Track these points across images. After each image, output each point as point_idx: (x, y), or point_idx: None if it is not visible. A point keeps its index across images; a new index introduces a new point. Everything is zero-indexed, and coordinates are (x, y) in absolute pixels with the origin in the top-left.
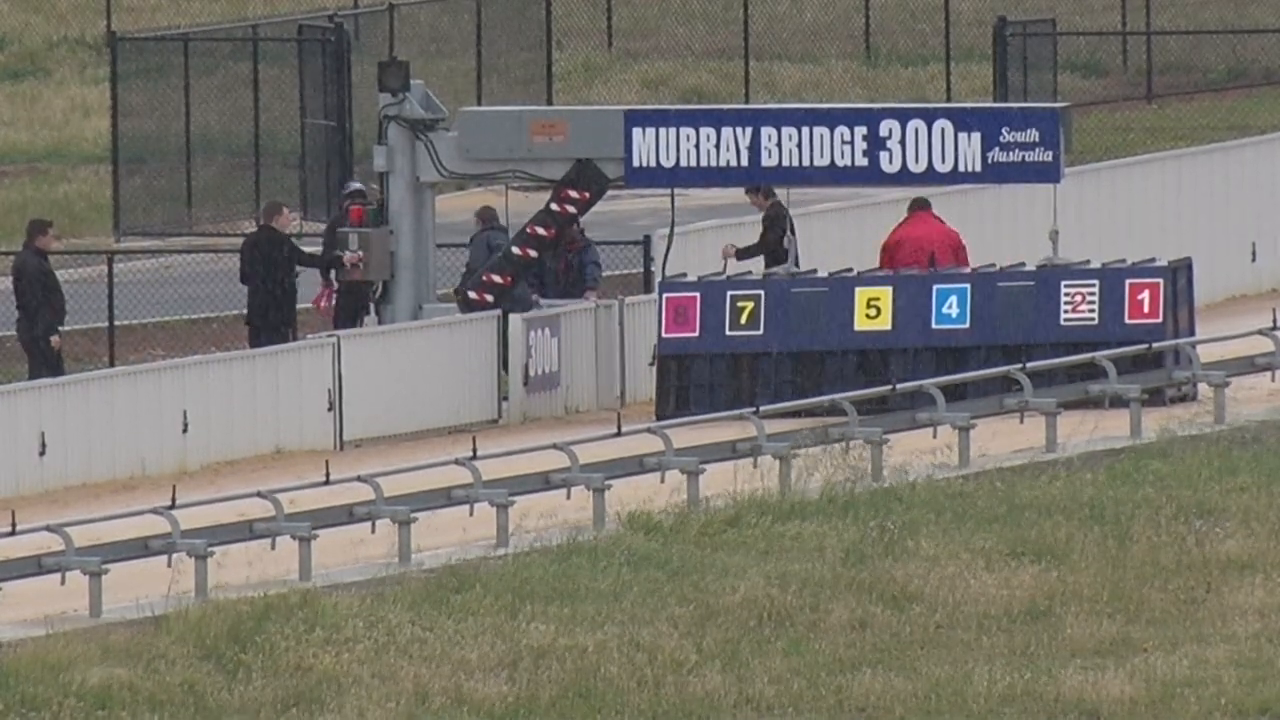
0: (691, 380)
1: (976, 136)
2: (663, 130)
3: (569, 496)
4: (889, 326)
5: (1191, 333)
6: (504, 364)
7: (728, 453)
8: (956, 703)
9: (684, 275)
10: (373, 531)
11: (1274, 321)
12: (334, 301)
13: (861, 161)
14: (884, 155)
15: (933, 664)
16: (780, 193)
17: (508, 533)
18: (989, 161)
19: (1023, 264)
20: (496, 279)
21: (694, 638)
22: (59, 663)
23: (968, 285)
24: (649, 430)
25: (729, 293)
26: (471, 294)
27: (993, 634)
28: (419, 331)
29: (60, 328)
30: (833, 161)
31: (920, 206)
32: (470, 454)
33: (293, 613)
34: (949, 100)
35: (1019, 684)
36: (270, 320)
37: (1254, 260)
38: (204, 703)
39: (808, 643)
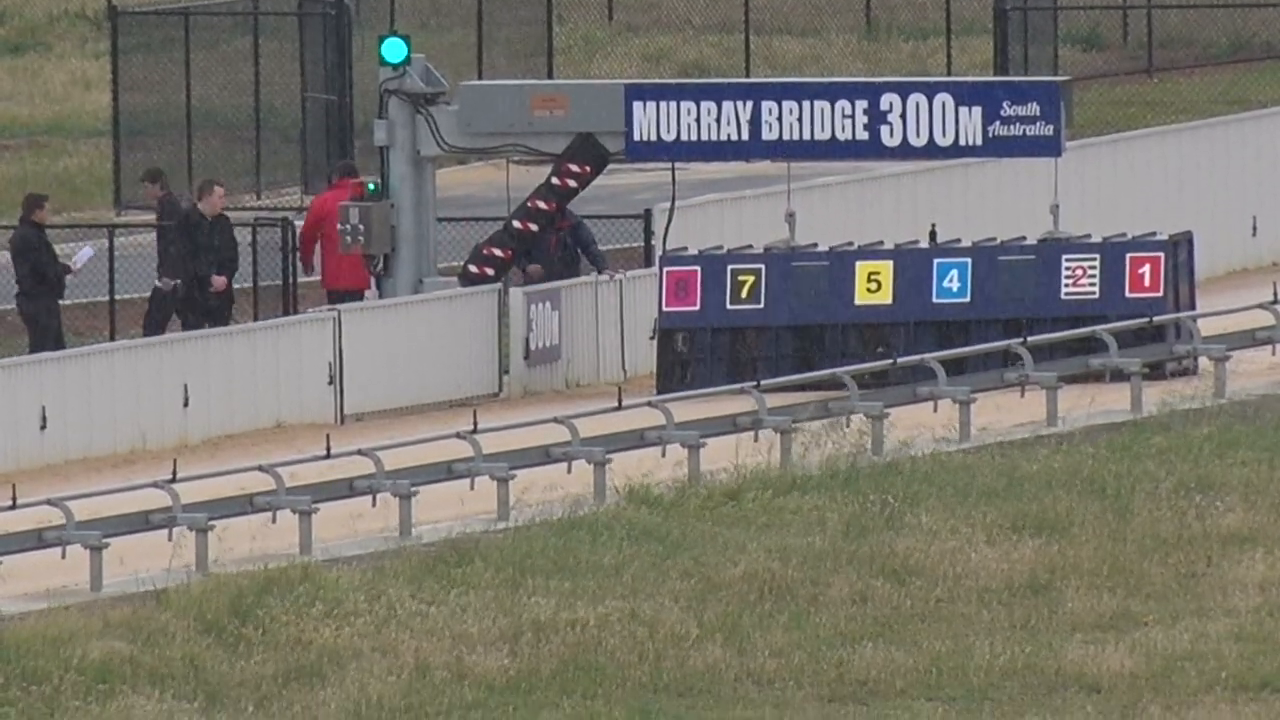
0: (692, 354)
1: (977, 110)
2: (663, 104)
3: (570, 470)
4: (890, 300)
5: (1192, 306)
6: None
7: (728, 427)
8: (957, 676)
9: (684, 249)
10: (373, 505)
11: (1274, 295)
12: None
13: (862, 135)
14: (885, 129)
15: (933, 638)
16: (780, 166)
17: (508, 506)
18: (990, 135)
19: (1023, 238)
20: (497, 253)
21: (695, 611)
22: (59, 637)
23: (968, 259)
24: (649, 404)
25: (729, 266)
26: (472, 268)
27: (993, 608)
28: (419, 305)
29: (60, 301)
30: (833, 135)
31: (349, 172)
32: (471, 428)
33: (293, 587)
34: (950, 74)
35: (1020, 657)
36: (189, 303)
37: (1254, 234)
38: (205, 677)
39: (808, 616)
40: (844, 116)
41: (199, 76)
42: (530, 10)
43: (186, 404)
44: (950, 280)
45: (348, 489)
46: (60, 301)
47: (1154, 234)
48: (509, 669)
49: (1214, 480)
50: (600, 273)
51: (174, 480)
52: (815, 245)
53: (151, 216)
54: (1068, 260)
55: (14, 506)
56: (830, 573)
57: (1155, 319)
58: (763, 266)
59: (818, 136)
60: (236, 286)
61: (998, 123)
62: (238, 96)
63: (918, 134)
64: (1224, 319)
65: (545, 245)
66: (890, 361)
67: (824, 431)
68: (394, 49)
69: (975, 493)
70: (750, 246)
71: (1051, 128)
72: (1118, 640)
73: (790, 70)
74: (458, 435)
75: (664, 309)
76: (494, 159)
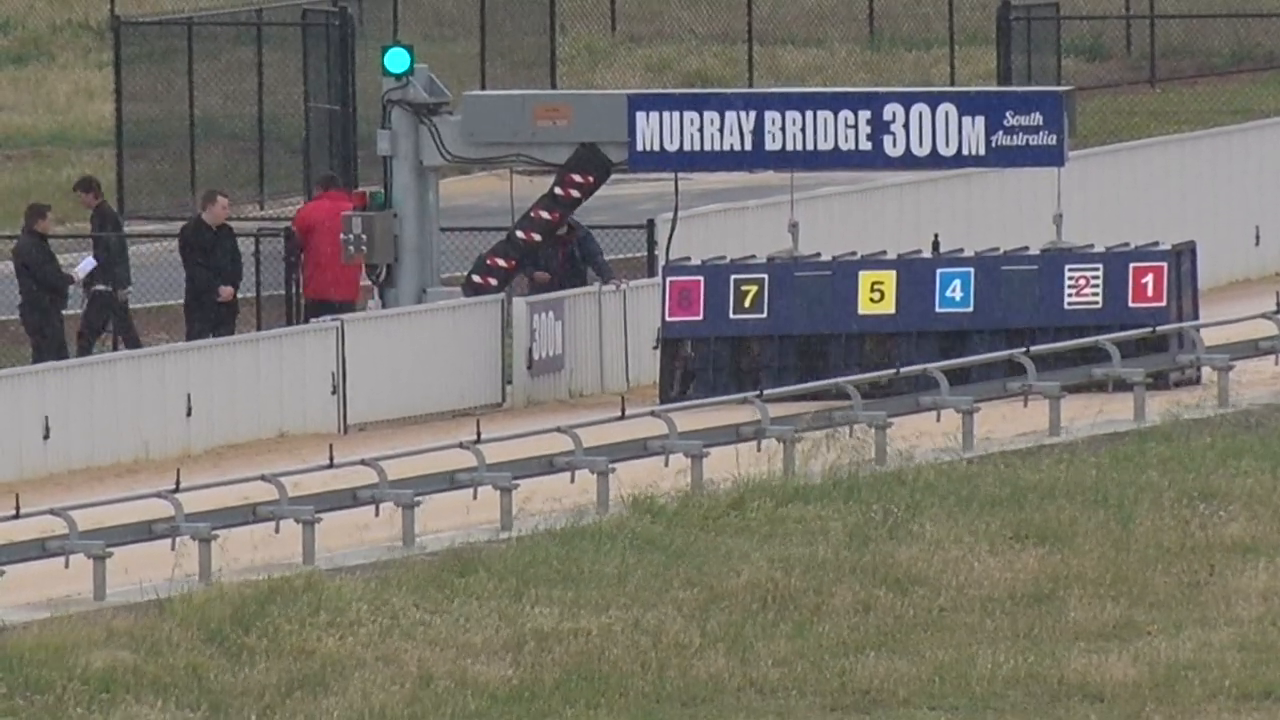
0: (695, 364)
1: (980, 120)
2: (666, 114)
3: (573, 480)
4: (893, 310)
5: (1195, 316)
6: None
7: (731, 436)
8: (960, 685)
9: (687, 259)
10: (376, 515)
11: (1277, 305)
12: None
13: (865, 145)
14: (888, 139)
15: (936, 647)
16: (783, 177)
17: (512, 516)
18: (993, 145)
19: (1026, 248)
20: (501, 263)
21: (698, 621)
22: (62, 646)
23: (971, 269)
24: (652, 414)
25: (732, 276)
26: (476, 278)
27: (996, 617)
28: (423, 315)
29: (63, 311)
30: (836, 145)
31: (331, 184)
32: (474, 437)
33: (297, 596)
34: (953, 84)
35: (1022, 667)
36: (194, 313)
37: (1257, 244)
38: (208, 686)
39: (811, 626)
40: (847, 126)
41: (202, 86)
42: (533, 20)
43: (190, 413)
44: (953, 290)
45: (351, 499)
46: (63, 311)
47: (1157, 244)
48: (512, 679)
49: (1217, 490)
50: (606, 283)
51: (177, 490)
52: (818, 255)
53: (156, 225)
54: (1071, 270)
55: (17, 516)
56: (833, 582)
57: (1158, 329)
58: (766, 276)
59: (821, 146)
60: (240, 296)
61: (1001, 133)
62: (241, 106)
63: (921, 144)
64: (1227, 329)
65: (552, 256)
66: (893, 371)
67: (827, 441)
68: (397, 59)
69: (978, 502)
70: (753, 256)
71: (1054, 137)
72: (1121, 649)
73: (793, 80)
74: (461, 445)
75: (667, 319)
76: (497, 169)
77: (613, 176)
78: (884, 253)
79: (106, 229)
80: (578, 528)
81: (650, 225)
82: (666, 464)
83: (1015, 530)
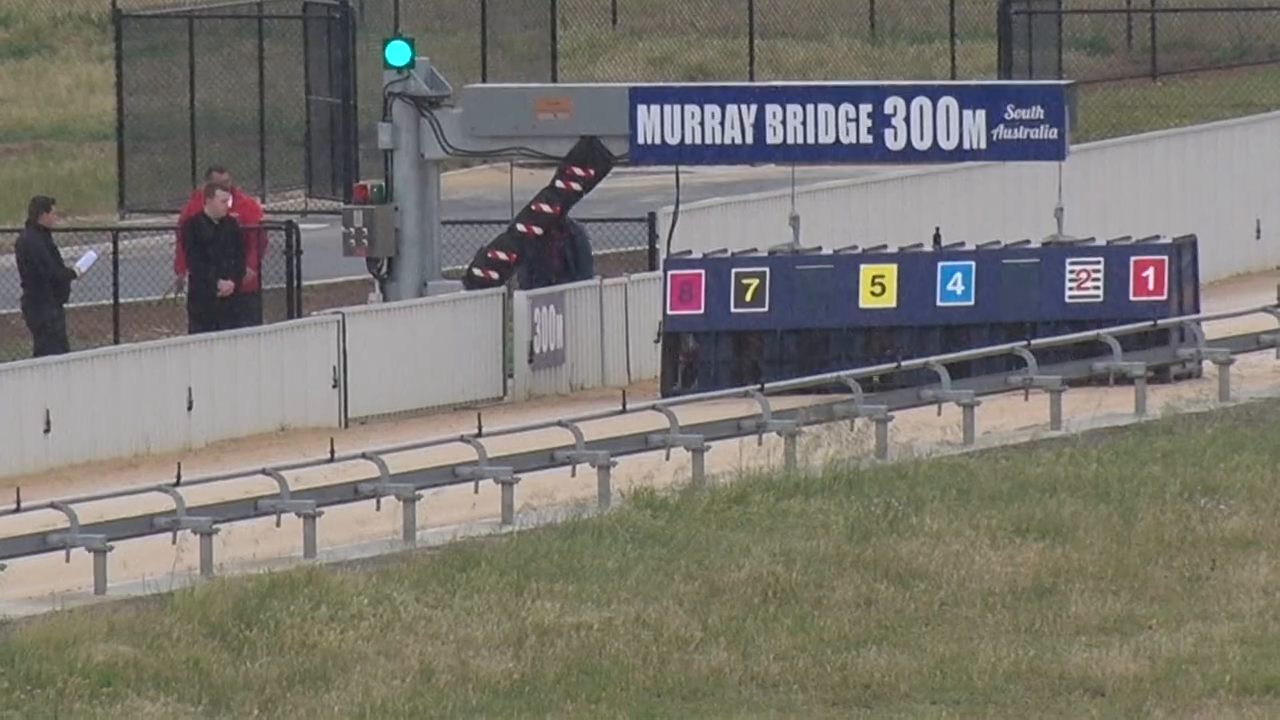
0: (697, 357)
1: (981, 114)
2: (667, 107)
3: (574, 474)
4: (894, 304)
5: (1196, 310)
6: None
7: (733, 430)
8: (961, 680)
9: (689, 252)
10: (378, 509)
11: (1278, 298)
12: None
13: (866, 139)
14: (889, 132)
15: (937, 641)
16: (785, 170)
17: (513, 510)
18: (994, 139)
19: (1027, 241)
20: (502, 256)
21: (699, 615)
22: (64, 640)
23: (973, 263)
24: (654, 407)
25: (734, 270)
26: (477, 271)
27: (997, 611)
28: (424, 309)
29: (64, 305)
30: (837, 139)
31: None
32: (475, 431)
33: (298, 590)
34: (954, 77)
35: (1024, 661)
36: (199, 307)
37: (1258, 237)
38: (209, 680)
39: (813, 620)
40: (848, 120)
41: (203, 80)
42: (534, 13)
43: (191, 407)
44: (954, 284)
45: (352, 492)
46: (65, 305)
47: (1158, 237)
48: (513, 673)
49: (1218, 483)
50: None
51: (178, 483)
52: (819, 248)
53: (158, 219)
54: (1072, 264)
55: (18, 510)
56: (834, 576)
57: (1159, 322)
58: (767, 270)
59: (822, 140)
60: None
61: (1002, 126)
62: (242, 99)
63: (921, 137)
64: (1228, 322)
65: (547, 254)
66: (894, 365)
67: (828, 434)
68: (398, 52)
69: (979, 496)
70: (755, 250)
71: (1055, 131)
72: (1122, 643)
73: (794, 74)
74: (462, 439)
75: (668, 312)
76: (498, 162)
77: (614, 170)
78: (885, 246)
79: None
80: (579, 522)
81: (651, 218)
82: (668, 458)
83: (1016, 524)
